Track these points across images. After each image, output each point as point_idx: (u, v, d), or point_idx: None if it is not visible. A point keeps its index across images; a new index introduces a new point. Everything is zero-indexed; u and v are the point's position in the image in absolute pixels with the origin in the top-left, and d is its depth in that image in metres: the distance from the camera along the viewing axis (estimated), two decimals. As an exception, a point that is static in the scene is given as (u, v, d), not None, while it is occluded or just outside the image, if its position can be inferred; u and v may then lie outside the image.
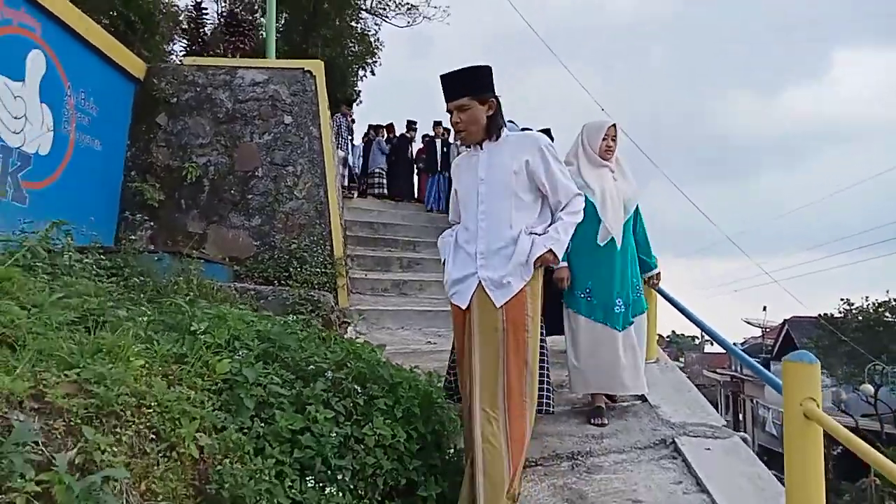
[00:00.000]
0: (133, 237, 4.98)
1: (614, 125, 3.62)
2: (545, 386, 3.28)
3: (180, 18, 16.23)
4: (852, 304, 23.02)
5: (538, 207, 2.60)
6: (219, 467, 1.90)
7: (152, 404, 1.77)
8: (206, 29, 6.52)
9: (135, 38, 8.07)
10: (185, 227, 5.61)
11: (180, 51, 10.82)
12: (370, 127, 11.54)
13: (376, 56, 17.95)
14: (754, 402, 30.67)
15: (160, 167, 5.70)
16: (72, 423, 1.51)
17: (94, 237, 4.03)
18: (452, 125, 2.58)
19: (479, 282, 2.46)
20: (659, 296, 4.19)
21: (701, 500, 2.71)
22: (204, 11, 6.52)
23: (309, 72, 5.93)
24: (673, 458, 3.10)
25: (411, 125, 11.47)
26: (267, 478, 2.01)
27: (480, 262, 2.48)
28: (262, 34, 6.88)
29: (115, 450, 1.54)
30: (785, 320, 32.11)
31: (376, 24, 18.18)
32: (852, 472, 20.31)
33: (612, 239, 3.45)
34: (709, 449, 3.12)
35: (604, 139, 3.56)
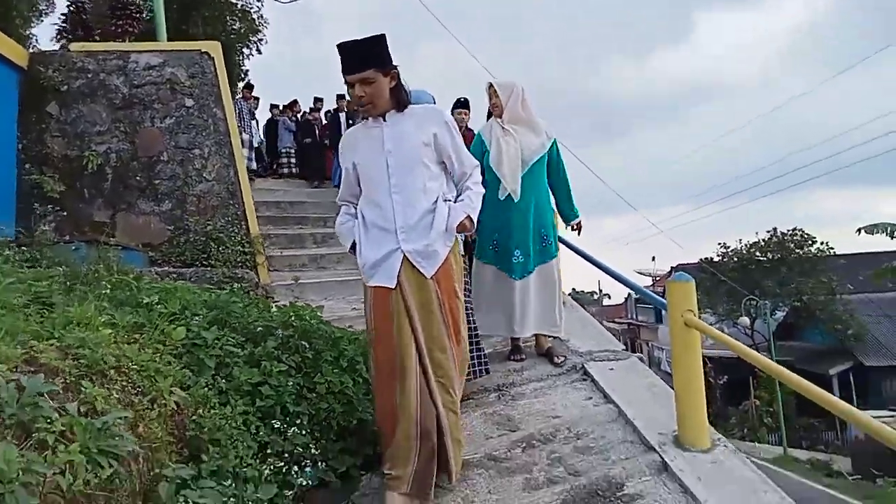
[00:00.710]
0: (38, 229, 4.88)
1: (490, 84, 3.74)
2: (482, 348, 3.49)
3: (42, 6, 15.14)
4: (728, 248, 25.24)
5: (444, 178, 2.60)
6: (194, 417, 2.11)
7: (130, 365, 1.95)
8: (87, 13, 6.25)
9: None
10: (91, 217, 5.49)
11: (47, 35, 10.14)
12: (272, 106, 11.36)
13: (261, 34, 17.53)
14: (650, 345, 33.04)
15: (57, 157, 5.52)
16: (68, 381, 1.68)
17: (-1, 231, 3.96)
18: (355, 98, 2.45)
19: (404, 256, 2.40)
20: (564, 248, 4.38)
21: (608, 409, 3.18)
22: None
23: (206, 53, 5.89)
24: (583, 380, 3.57)
25: (317, 102, 11.36)
26: (235, 426, 2.24)
27: (402, 237, 2.41)
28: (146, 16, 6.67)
29: (109, 402, 1.73)
30: (672, 268, 34.56)
31: (258, 1, 17.71)
32: (737, 398, 22.60)
33: (509, 193, 3.62)
34: (612, 369, 3.61)
35: (489, 99, 3.76)
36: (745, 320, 21.52)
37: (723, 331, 23.74)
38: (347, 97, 10.17)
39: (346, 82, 2.43)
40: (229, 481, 2.00)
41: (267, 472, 2.23)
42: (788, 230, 23.37)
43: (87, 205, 5.53)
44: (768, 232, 23.89)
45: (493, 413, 3.27)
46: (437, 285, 2.43)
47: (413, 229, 2.43)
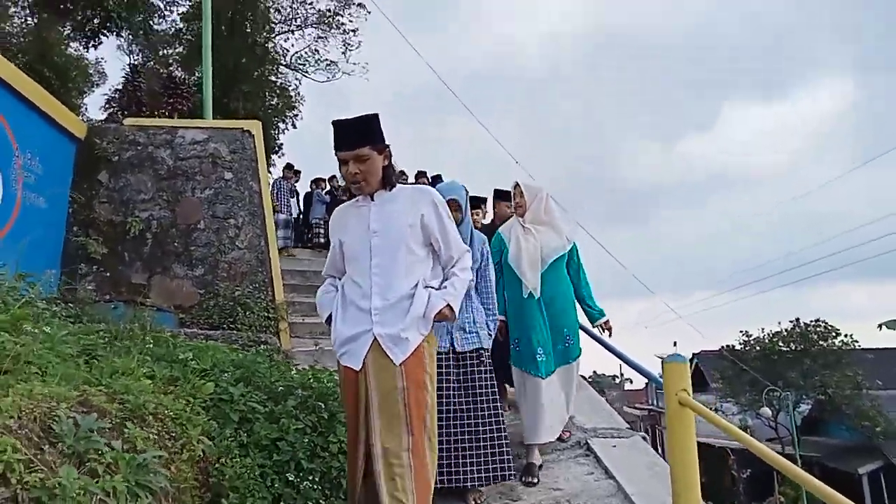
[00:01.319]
0: (80, 288, 5.22)
1: (517, 184, 3.82)
2: (505, 450, 3.23)
3: (90, 72, 16.26)
4: (750, 336, 24.89)
5: (430, 262, 2.51)
6: (217, 464, 2.31)
7: (165, 412, 2.18)
8: (140, 91, 6.84)
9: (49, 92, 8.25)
10: (129, 279, 5.84)
11: (97, 104, 10.91)
12: (312, 181, 11.94)
13: (297, 109, 18.48)
14: (665, 431, 32.02)
15: (102, 222, 5.94)
16: (114, 422, 1.91)
17: (41, 289, 4.28)
18: (348, 176, 2.39)
19: (375, 339, 2.30)
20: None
21: (609, 484, 3.29)
22: (139, 75, 6.86)
23: (248, 131, 6.38)
24: (586, 455, 3.69)
25: None
26: (252, 477, 2.43)
27: (376, 319, 2.32)
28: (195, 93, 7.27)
29: (147, 443, 1.95)
30: (694, 354, 33.99)
31: (297, 79, 18.78)
32: (761, 494, 21.71)
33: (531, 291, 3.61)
34: (614, 446, 3.72)
35: (514, 198, 3.84)
36: (767, 411, 20.99)
37: (746, 422, 23.13)
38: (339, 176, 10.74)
39: (338, 159, 2.40)
40: (245, 527, 2.17)
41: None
42: (812, 321, 23.06)
43: (126, 267, 5.89)
44: (791, 322, 23.57)
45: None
46: (403, 372, 2.28)
47: (388, 311, 2.34)
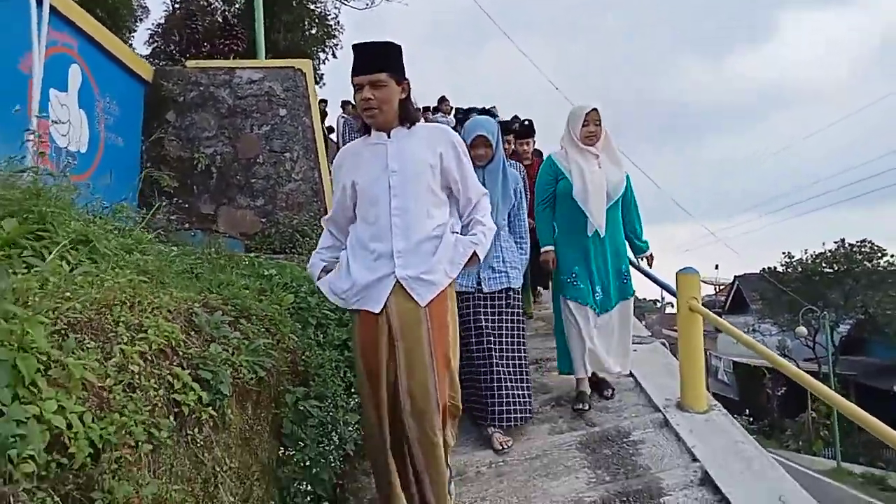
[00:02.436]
0: (159, 217, 5.87)
1: (595, 109, 3.48)
2: (526, 390, 3.37)
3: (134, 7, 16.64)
4: (793, 258, 24.86)
5: (449, 204, 2.45)
6: (303, 356, 2.92)
7: (262, 314, 2.77)
8: (198, 34, 7.28)
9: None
10: (199, 209, 6.49)
11: (143, 41, 11.26)
12: (342, 103, 12.10)
13: (336, 38, 18.56)
14: (708, 353, 32.66)
15: (172, 158, 6.55)
16: (229, 319, 2.50)
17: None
18: (361, 102, 2.29)
19: (398, 281, 2.25)
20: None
21: (627, 380, 3.86)
22: (195, 16, 7.29)
23: (300, 70, 6.81)
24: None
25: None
26: (330, 367, 3.03)
27: (399, 262, 2.26)
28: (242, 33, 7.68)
29: (257, 334, 2.54)
30: (735, 277, 33.97)
31: (336, 8, 18.76)
32: (794, 411, 22.32)
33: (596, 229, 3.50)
34: (636, 350, 4.23)
35: (584, 125, 3.49)
36: (803, 330, 21.26)
37: (785, 342, 23.40)
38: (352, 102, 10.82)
39: (354, 85, 2.29)
40: (328, 402, 2.78)
41: (352, 402, 3.01)
42: (857, 241, 22.91)
43: (195, 199, 6.53)
44: (836, 243, 23.48)
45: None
46: (428, 314, 2.26)
47: (413, 254, 2.28)
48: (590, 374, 3.64)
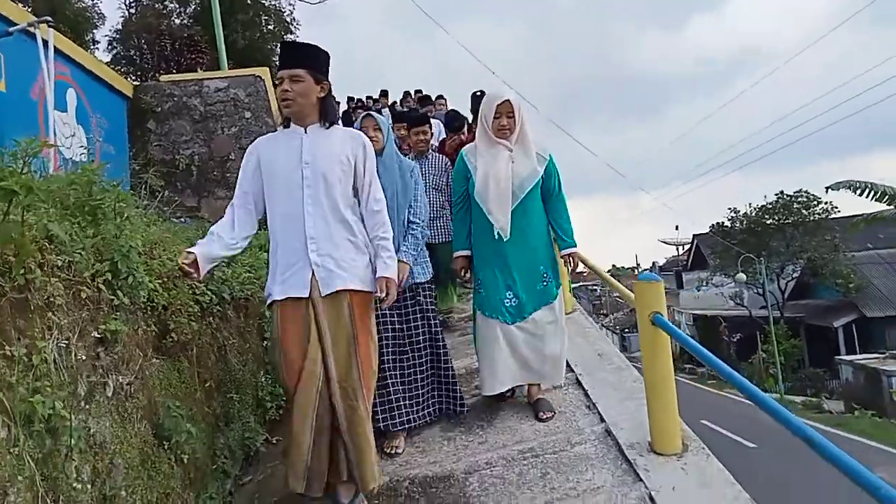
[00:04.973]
0: (150, 211, 7.01)
1: (507, 101, 3.09)
2: (453, 386, 3.27)
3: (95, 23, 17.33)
4: (738, 212, 26.50)
5: (356, 202, 2.56)
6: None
7: (247, 261, 3.97)
8: (166, 51, 8.33)
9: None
10: (184, 203, 7.60)
11: (101, 49, 11.93)
12: (348, 99, 12.75)
13: (294, 34, 19.28)
14: (671, 309, 34.51)
15: (156, 160, 7.65)
16: (226, 263, 3.70)
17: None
18: (279, 93, 2.45)
19: (313, 269, 2.39)
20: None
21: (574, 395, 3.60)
22: (164, 36, 8.32)
23: (259, 77, 7.92)
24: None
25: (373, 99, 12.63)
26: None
27: (312, 247, 2.39)
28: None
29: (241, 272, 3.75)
30: (694, 235, 35.66)
31: (290, 4, 19.46)
32: (747, 354, 24.20)
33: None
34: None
35: (496, 117, 3.11)
36: (742, 277, 22.90)
37: (742, 293, 25.01)
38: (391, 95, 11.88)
39: (277, 77, 2.44)
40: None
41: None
42: (794, 192, 24.55)
43: (179, 194, 7.64)
44: (776, 195, 25.10)
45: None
46: (350, 300, 2.41)
47: (326, 241, 2.41)
48: (506, 391, 3.33)
